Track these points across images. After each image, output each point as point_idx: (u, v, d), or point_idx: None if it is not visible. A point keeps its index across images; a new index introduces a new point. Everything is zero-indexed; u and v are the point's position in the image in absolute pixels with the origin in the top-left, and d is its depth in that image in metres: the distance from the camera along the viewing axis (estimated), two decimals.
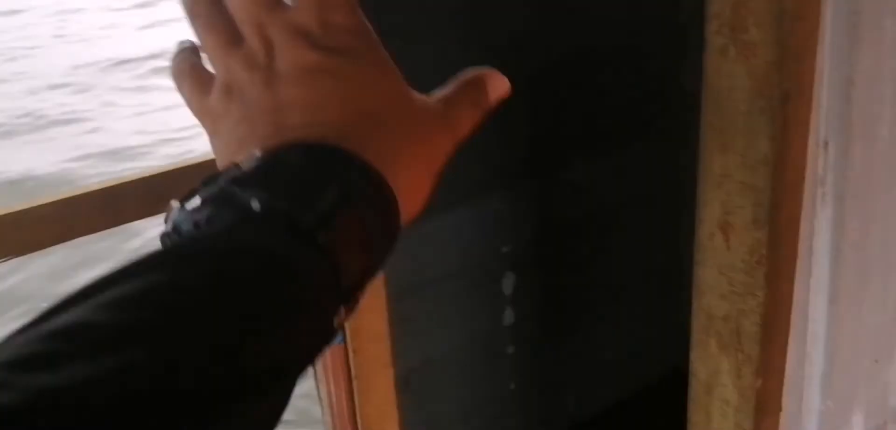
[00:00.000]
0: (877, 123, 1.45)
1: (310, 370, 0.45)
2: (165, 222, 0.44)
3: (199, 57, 0.51)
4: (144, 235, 4.08)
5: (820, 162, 1.44)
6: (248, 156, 0.43)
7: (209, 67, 0.49)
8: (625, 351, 2.87)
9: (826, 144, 1.43)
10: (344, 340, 1.94)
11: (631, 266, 2.74)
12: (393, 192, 0.46)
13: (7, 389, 0.30)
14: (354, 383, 1.97)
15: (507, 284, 2.43)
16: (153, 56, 7.69)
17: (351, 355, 1.96)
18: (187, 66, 0.50)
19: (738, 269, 1.41)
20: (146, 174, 1.56)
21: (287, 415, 0.41)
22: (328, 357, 1.96)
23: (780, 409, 1.60)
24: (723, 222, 1.41)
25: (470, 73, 0.55)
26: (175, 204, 0.44)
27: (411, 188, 0.48)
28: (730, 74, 1.36)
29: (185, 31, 0.53)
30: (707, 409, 1.69)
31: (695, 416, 1.79)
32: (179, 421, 0.33)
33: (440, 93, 0.52)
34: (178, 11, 0.50)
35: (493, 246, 2.36)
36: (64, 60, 8.09)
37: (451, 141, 0.52)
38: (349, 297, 0.44)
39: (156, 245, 0.43)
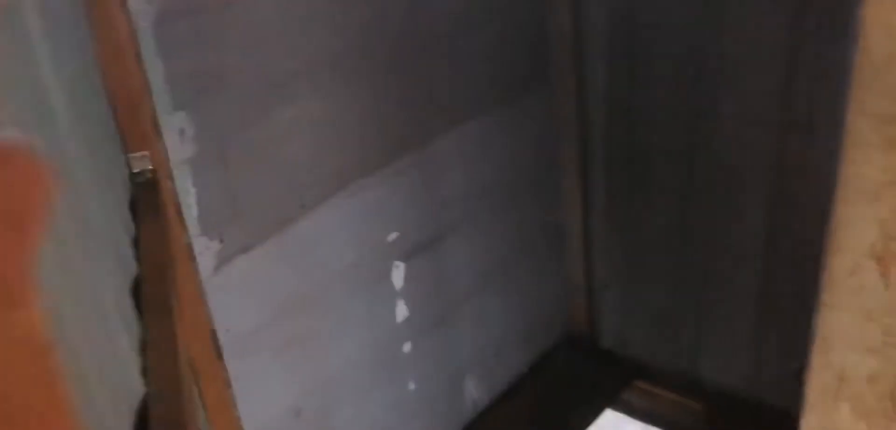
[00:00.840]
0: None
1: None
2: None
3: None
4: None
5: None
6: None
7: None
8: (515, 325, 2.67)
9: None
10: None
11: (511, 236, 2.53)
12: None
13: None
14: None
15: (397, 276, 2.14)
16: None
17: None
18: None
19: None
20: None
21: None
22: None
23: None
24: (881, 251, 0.98)
25: None
26: None
27: None
28: None
29: None
30: None
31: None
32: None
33: None
34: None
35: (378, 236, 2.06)
36: None
37: None
38: None
39: None
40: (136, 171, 1.40)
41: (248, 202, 1.70)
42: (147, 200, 1.36)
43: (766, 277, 2.42)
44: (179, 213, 1.46)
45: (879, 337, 1.00)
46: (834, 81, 2.08)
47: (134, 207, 1.32)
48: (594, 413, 2.67)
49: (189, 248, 1.50)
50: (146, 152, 1.41)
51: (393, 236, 2.09)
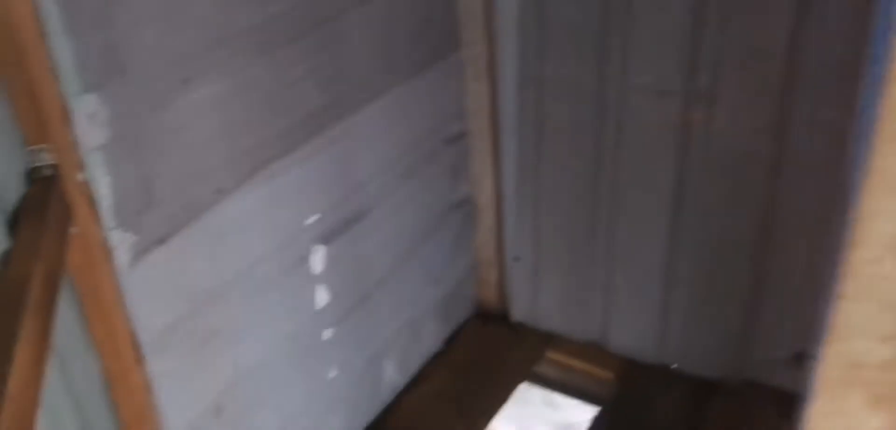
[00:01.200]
0: None
1: None
2: None
3: None
4: None
5: None
6: None
7: None
8: (430, 302, 2.62)
9: None
10: None
11: (424, 211, 2.47)
12: None
13: None
14: None
15: (317, 260, 2.05)
16: None
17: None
18: None
19: None
20: None
21: None
22: None
23: None
24: None
25: None
26: None
27: None
28: None
29: None
30: None
31: None
32: None
33: None
34: None
35: (296, 220, 1.96)
36: None
37: None
38: None
39: None
40: (32, 167, 1.26)
41: (163, 189, 1.57)
42: (39, 200, 1.22)
43: (671, 246, 2.47)
44: (93, 205, 1.32)
45: (891, 326, 0.99)
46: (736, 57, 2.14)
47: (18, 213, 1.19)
48: (509, 388, 2.67)
49: (105, 244, 1.36)
50: (44, 144, 1.27)
51: (312, 218, 1.99)
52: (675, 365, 2.65)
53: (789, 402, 2.43)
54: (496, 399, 2.62)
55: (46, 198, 1.24)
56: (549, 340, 2.83)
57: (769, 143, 2.19)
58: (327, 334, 2.15)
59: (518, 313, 2.89)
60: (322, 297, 2.10)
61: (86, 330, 1.37)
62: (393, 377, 2.51)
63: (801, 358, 2.29)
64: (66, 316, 1.31)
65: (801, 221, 2.23)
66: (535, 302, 2.84)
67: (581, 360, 2.76)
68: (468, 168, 2.62)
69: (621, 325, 2.70)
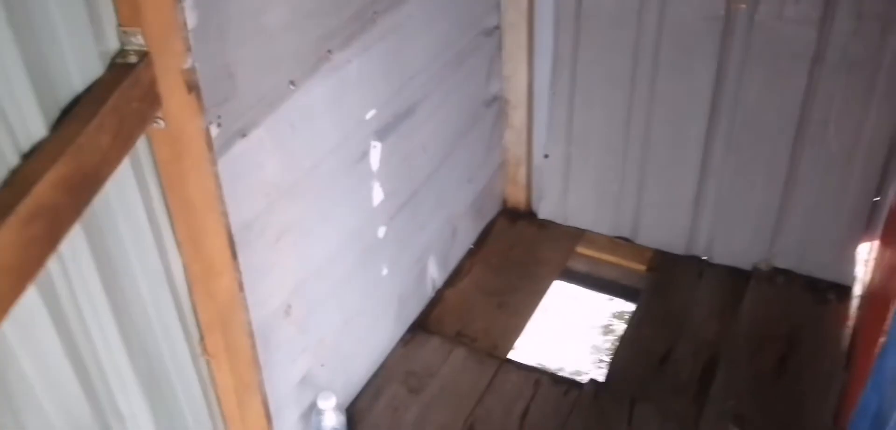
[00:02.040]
0: None
1: None
2: None
3: None
4: None
5: None
6: None
7: None
8: (466, 200, 2.61)
9: None
10: None
11: (463, 107, 2.44)
12: None
13: None
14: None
15: (374, 156, 2.01)
16: None
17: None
18: None
19: None
20: None
21: None
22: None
23: None
24: None
25: None
26: None
27: None
28: None
29: None
30: None
31: None
32: None
33: None
34: None
35: (358, 114, 1.91)
36: None
37: None
38: None
39: None
40: (116, 51, 1.18)
41: (244, 79, 1.51)
42: (110, 89, 1.13)
43: (708, 138, 2.48)
44: (196, 94, 1.26)
45: None
46: None
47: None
48: (545, 282, 2.69)
49: (205, 136, 1.30)
50: (137, 27, 1.19)
51: (371, 113, 1.95)
52: (706, 256, 2.69)
53: (824, 289, 2.51)
54: (534, 294, 2.64)
55: (127, 89, 1.17)
56: (580, 236, 2.84)
57: (812, 33, 2.18)
58: (382, 231, 2.13)
59: (546, 210, 2.89)
60: (378, 194, 2.07)
61: (166, 233, 1.31)
62: (434, 274, 2.51)
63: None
64: (140, 216, 1.26)
65: (839, 114, 2.25)
66: (563, 199, 2.84)
67: (612, 254, 2.79)
68: (502, 63, 2.58)
69: (652, 219, 2.72)
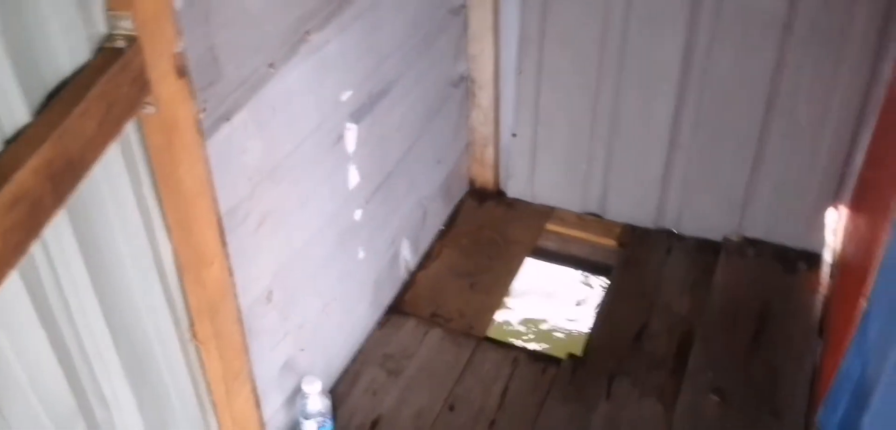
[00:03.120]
0: None
1: None
2: None
3: None
4: None
5: None
6: None
7: None
8: (436, 182, 2.60)
9: None
10: None
11: (431, 89, 2.42)
12: None
13: None
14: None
15: (350, 138, 1.98)
16: None
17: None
18: None
19: None
20: None
21: None
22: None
23: None
24: None
25: None
26: None
27: None
28: None
29: None
30: None
31: None
32: None
33: None
34: None
35: (335, 96, 1.88)
36: None
37: None
38: None
39: None
40: (104, 35, 1.14)
41: (227, 62, 1.48)
42: (99, 73, 1.10)
43: (676, 111, 2.50)
44: (186, 78, 1.23)
45: None
46: None
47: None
48: (517, 261, 2.69)
49: (195, 122, 1.27)
50: (126, 11, 1.15)
51: (347, 94, 1.92)
52: (675, 229, 2.72)
53: (794, 258, 2.57)
54: (505, 273, 2.65)
55: (115, 74, 1.13)
56: (549, 214, 2.85)
57: (782, 3, 2.21)
58: (358, 214, 2.11)
59: (514, 189, 2.90)
60: (354, 177, 2.04)
61: (156, 220, 1.28)
62: (407, 256, 2.50)
63: None
64: (130, 202, 1.22)
65: (808, 84, 2.29)
66: (532, 177, 2.85)
67: (582, 231, 2.80)
68: (467, 43, 2.57)
69: (621, 194, 2.75)
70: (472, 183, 2.91)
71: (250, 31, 1.53)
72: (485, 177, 2.89)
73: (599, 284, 2.68)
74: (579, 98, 2.61)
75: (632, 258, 2.68)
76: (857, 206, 2.23)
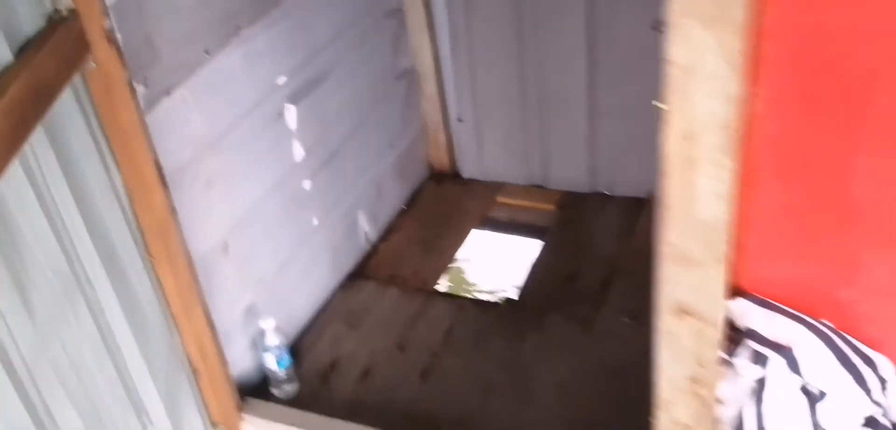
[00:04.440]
0: None
1: None
2: None
3: None
4: None
5: None
6: None
7: None
8: (389, 164, 2.97)
9: None
10: None
11: (374, 81, 2.81)
12: None
13: None
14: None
15: (290, 117, 2.37)
16: None
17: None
18: None
19: None
20: None
21: None
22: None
23: None
24: None
25: None
26: None
27: None
28: None
29: None
30: None
31: None
32: None
33: None
34: None
35: (269, 80, 2.27)
36: None
37: None
38: None
39: None
40: (52, 10, 1.54)
41: (163, 47, 1.87)
42: (53, 34, 1.49)
43: (589, 80, 2.84)
44: (116, 47, 1.63)
45: None
46: None
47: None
48: (467, 229, 3.05)
49: (127, 82, 1.67)
50: None
51: (281, 79, 2.31)
52: (608, 191, 3.05)
53: None
54: (457, 238, 3.00)
55: (62, 35, 1.53)
56: (499, 188, 3.21)
57: None
58: (307, 184, 2.49)
59: (467, 169, 3.26)
60: (299, 151, 2.42)
61: (105, 150, 1.66)
62: (366, 228, 2.86)
63: None
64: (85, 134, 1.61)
65: None
66: (481, 157, 3.21)
67: (526, 200, 3.15)
68: (408, 41, 2.96)
69: (558, 163, 3.09)
70: (430, 166, 3.28)
71: (183, 23, 1.93)
72: (441, 160, 3.26)
73: (540, 245, 3.01)
74: (509, 82, 2.97)
75: (567, 219, 3.01)
76: None
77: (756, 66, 1.78)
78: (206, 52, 2.01)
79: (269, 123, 2.28)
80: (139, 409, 1.83)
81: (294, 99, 2.37)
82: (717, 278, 1.40)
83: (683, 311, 1.46)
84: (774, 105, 1.91)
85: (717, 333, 1.48)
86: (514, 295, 2.76)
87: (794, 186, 1.96)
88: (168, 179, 1.89)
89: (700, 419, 1.56)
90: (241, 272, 2.26)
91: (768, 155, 1.96)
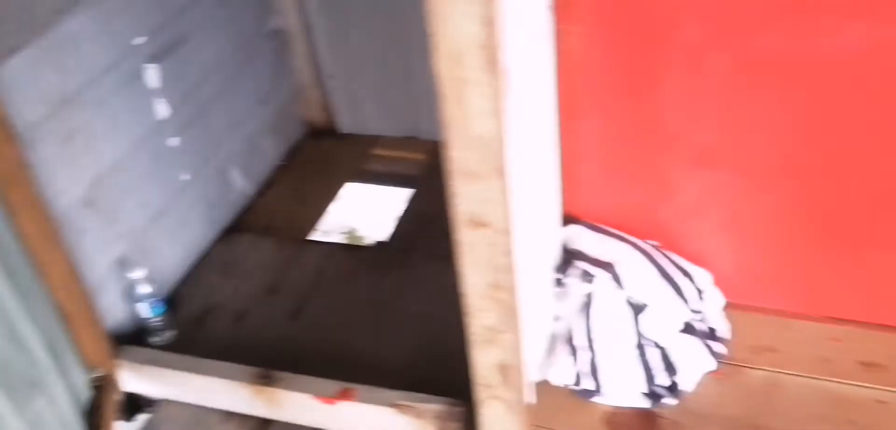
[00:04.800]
0: None
1: None
2: None
3: None
4: None
5: None
6: None
7: None
8: (263, 121, 3.10)
9: None
10: None
11: (243, 40, 2.93)
12: None
13: None
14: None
15: (151, 76, 2.48)
16: None
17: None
18: None
19: None
20: None
21: None
22: None
23: None
24: None
25: None
26: None
27: None
28: None
29: None
30: None
31: None
32: None
33: None
34: None
35: (126, 39, 2.38)
36: None
37: None
38: None
39: None
40: None
41: (7, 8, 1.97)
42: None
43: None
44: None
45: None
46: None
47: None
48: (342, 182, 3.21)
49: None
50: None
51: (140, 40, 2.42)
52: None
53: None
54: (332, 191, 3.16)
55: None
56: (374, 142, 3.37)
57: None
58: (174, 141, 2.60)
59: (343, 125, 3.41)
60: (162, 109, 2.54)
61: None
62: (242, 184, 2.99)
63: None
64: None
65: None
66: (356, 112, 3.36)
67: (400, 151, 3.32)
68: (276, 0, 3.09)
69: (429, 114, 3.24)
70: (308, 123, 3.42)
71: None
72: (317, 116, 3.40)
73: (410, 193, 3.19)
74: (378, 38, 3.13)
75: (436, 167, 3.17)
76: None
77: (568, 3, 1.98)
78: (56, 12, 2.11)
79: (128, 81, 2.38)
80: (24, 350, 1.96)
81: (155, 58, 2.48)
82: (500, 189, 1.57)
83: (476, 222, 1.63)
84: (588, 41, 2.12)
85: (508, 240, 1.65)
86: (384, 238, 2.93)
87: (613, 116, 2.19)
88: (22, 133, 2.00)
89: (505, 321, 1.75)
90: (109, 225, 2.36)
91: (587, 89, 2.18)
